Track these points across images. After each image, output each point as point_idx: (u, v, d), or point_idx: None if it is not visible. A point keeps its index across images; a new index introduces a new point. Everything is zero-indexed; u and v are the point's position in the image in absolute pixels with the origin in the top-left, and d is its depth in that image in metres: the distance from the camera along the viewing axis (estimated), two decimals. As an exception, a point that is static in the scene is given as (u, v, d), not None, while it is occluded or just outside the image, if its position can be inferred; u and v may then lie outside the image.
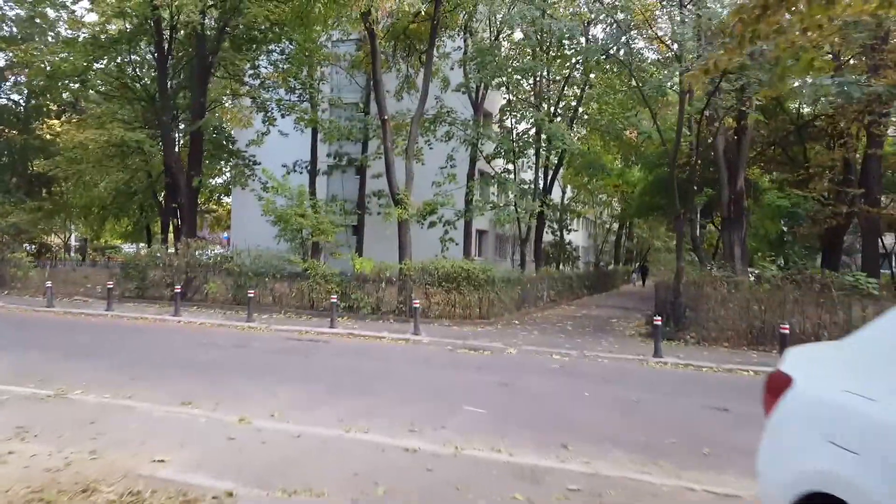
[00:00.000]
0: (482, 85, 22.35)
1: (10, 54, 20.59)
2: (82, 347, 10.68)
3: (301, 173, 24.07)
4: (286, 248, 17.72)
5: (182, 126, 20.53)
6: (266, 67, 21.89)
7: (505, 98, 23.60)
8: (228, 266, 17.28)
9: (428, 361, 10.38)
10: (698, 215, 17.89)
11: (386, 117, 16.59)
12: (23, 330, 12.63)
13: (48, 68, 17.96)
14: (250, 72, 21.91)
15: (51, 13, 20.13)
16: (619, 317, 19.00)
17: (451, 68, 21.54)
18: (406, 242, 16.62)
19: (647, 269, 43.59)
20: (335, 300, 13.97)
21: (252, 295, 14.59)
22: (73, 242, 47.73)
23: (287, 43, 20.79)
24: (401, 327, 13.96)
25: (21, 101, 24.06)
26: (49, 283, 16.18)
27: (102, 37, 18.26)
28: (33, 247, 25.93)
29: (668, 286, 14.84)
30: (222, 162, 25.17)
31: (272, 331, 13.47)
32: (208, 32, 19.47)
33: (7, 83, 22.63)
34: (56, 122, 24.87)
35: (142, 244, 30.87)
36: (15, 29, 21.81)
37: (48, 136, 24.46)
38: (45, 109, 24.69)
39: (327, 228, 16.98)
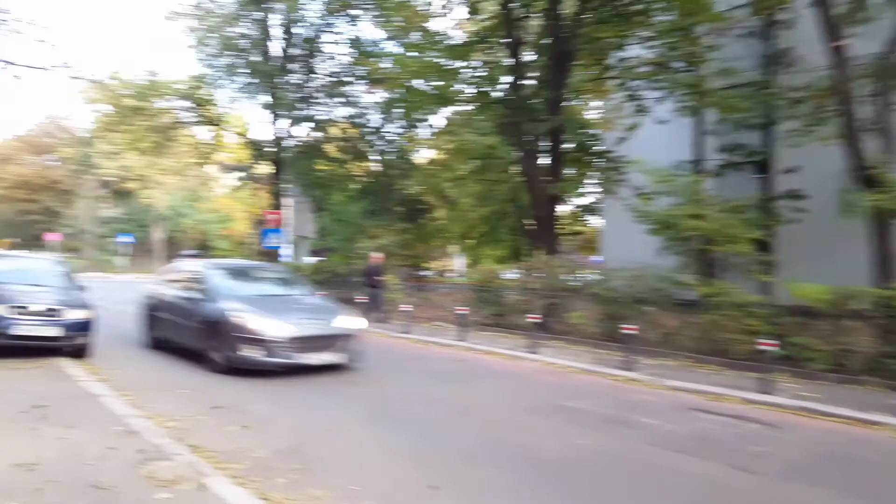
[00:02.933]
0: None
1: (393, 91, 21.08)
2: (403, 400, 7.78)
3: (682, 177, 18.68)
4: (670, 265, 12.60)
5: (540, 126, 17.67)
6: (636, 47, 17.41)
7: None
8: (596, 290, 13.21)
9: None
10: None
11: (839, 43, 9.92)
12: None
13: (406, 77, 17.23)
14: (618, 57, 17.80)
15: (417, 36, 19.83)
16: None
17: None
18: (890, 250, 9.66)
19: None
20: (768, 346, 8.31)
21: (631, 331, 10.03)
22: (459, 267, 51.89)
23: (662, 16, 16.01)
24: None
25: (400, 129, 25.26)
26: (405, 307, 14.86)
27: (455, 37, 16.96)
28: (421, 271, 26.96)
29: None
30: (586, 170, 21.62)
31: (663, 389, 8.69)
32: (565, 18, 16.30)
33: (388, 115, 23.75)
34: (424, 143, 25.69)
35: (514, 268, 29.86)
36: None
37: (418, 161, 25.19)
38: (415, 133, 25.64)
39: (737, 234, 11.26)
